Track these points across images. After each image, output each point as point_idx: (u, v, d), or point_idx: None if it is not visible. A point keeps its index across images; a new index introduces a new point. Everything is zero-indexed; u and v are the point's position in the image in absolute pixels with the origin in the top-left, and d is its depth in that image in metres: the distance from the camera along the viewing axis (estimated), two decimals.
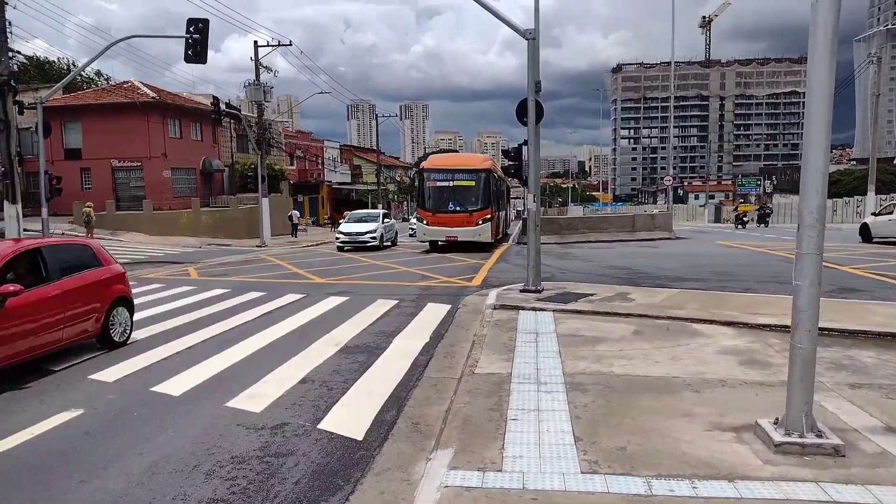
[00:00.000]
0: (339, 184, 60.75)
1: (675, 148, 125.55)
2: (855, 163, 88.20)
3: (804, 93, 4.46)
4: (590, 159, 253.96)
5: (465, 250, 21.88)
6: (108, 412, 5.83)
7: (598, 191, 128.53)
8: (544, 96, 12.36)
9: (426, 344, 8.20)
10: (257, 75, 31.18)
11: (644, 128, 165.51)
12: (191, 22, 16.78)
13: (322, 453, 4.76)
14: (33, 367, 7.28)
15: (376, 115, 65.45)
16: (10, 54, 17.05)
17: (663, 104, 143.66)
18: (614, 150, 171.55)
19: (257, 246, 29.80)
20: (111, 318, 8.37)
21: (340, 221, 28.28)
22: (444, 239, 22.49)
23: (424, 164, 25.48)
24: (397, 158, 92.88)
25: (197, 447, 4.91)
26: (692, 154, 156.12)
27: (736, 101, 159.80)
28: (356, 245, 24.20)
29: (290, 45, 32.80)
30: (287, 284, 14.62)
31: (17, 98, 17.49)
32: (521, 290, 11.65)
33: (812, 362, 4.41)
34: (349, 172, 67.68)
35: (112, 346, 8.29)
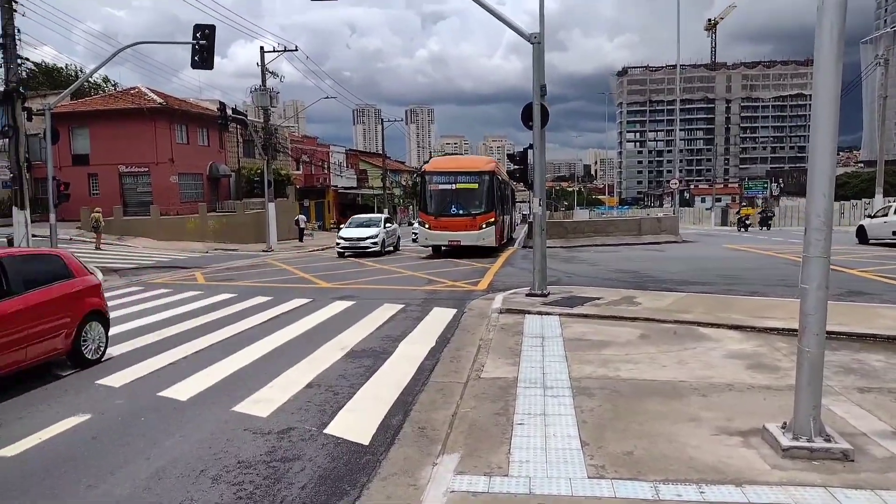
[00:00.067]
0: (345, 188, 60.89)
1: (681, 151, 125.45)
2: (862, 165, 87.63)
3: (811, 95, 4.46)
4: (595, 163, 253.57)
5: (470, 255, 21.58)
6: (116, 417, 5.85)
7: (604, 194, 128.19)
8: (550, 100, 12.37)
9: (432, 348, 8.20)
10: (263, 81, 31.33)
11: (650, 131, 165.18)
12: (197, 28, 16.88)
13: (328, 458, 4.76)
14: (39, 373, 7.33)
15: (382, 119, 65.62)
16: (19, 61, 17.19)
17: (669, 107, 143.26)
18: (620, 153, 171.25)
19: (264, 250, 29.89)
20: (83, 334, 7.73)
21: (341, 226, 27.95)
22: (447, 243, 22.04)
23: (426, 167, 24.93)
24: (403, 163, 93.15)
25: (204, 452, 4.93)
26: (698, 157, 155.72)
27: (742, 104, 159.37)
28: (357, 251, 23.81)
29: (296, 50, 33.01)
30: (293, 289, 14.66)
31: (26, 104, 17.63)
32: (527, 294, 11.63)
33: (820, 366, 4.38)
34: (355, 177, 67.81)
35: (84, 365, 7.67)
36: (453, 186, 22.20)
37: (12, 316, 6.72)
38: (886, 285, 12.36)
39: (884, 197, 35.02)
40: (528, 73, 11.84)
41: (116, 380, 7.08)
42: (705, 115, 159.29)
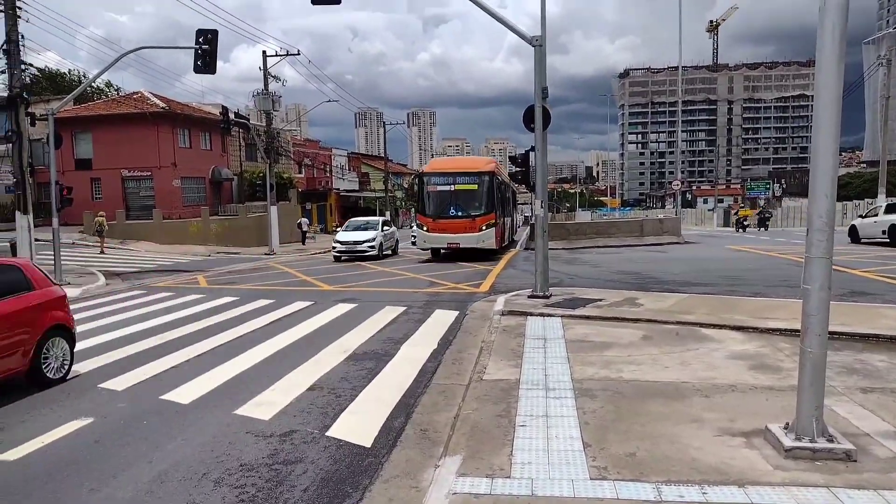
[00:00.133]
0: (347, 191, 60.98)
1: (683, 152, 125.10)
2: (865, 166, 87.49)
3: (812, 96, 4.45)
4: (597, 164, 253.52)
5: (471, 258, 21.33)
6: (118, 420, 5.86)
7: (606, 196, 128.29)
8: (551, 102, 12.38)
9: (434, 350, 8.20)
10: (266, 85, 31.40)
11: (652, 132, 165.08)
12: (200, 33, 16.91)
13: (330, 461, 4.76)
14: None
15: (384, 122, 65.65)
16: (23, 67, 17.23)
17: (671, 108, 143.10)
18: (622, 154, 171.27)
19: (266, 254, 29.93)
20: (45, 351, 7.07)
21: (338, 229, 27.36)
22: (446, 246, 21.52)
23: (424, 168, 24.36)
24: (405, 165, 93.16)
25: (206, 455, 4.93)
26: (700, 158, 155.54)
27: (744, 105, 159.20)
28: (353, 255, 23.27)
29: (298, 54, 33.04)
30: (295, 292, 14.67)
31: (29, 110, 17.67)
32: (530, 296, 11.63)
33: (822, 367, 4.37)
34: (357, 180, 67.90)
35: (45, 385, 7.01)
36: (452, 187, 21.69)
37: None
38: (889, 285, 12.33)
39: (886, 197, 34.96)
40: (529, 76, 11.86)
41: (119, 383, 7.09)
42: (707, 117, 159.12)
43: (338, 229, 27.80)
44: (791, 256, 18.62)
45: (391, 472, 4.38)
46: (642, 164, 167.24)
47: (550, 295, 11.54)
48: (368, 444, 5.04)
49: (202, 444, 5.16)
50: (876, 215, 23.23)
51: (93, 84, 45.75)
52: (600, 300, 11.02)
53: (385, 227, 25.46)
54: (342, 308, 11.93)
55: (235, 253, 31.06)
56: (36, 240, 17.77)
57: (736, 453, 4.40)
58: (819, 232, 4.25)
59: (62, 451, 5.14)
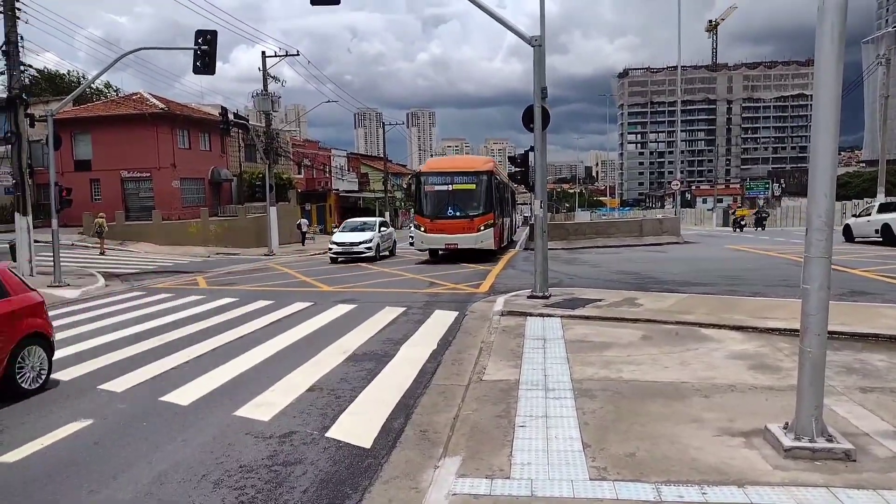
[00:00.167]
0: (347, 192, 60.93)
1: (682, 152, 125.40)
2: (864, 165, 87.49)
3: (812, 95, 4.45)
4: (597, 164, 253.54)
5: (469, 259, 21.21)
6: (118, 422, 5.86)
7: (606, 196, 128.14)
8: (551, 102, 12.38)
9: (434, 351, 8.19)
10: (265, 85, 31.41)
11: (651, 132, 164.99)
12: (199, 34, 16.89)
13: (330, 462, 4.76)
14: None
15: (383, 123, 65.72)
16: (22, 68, 17.23)
17: (670, 108, 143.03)
18: (621, 154, 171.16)
19: (265, 254, 29.93)
20: (20, 361, 6.70)
21: (335, 231, 26.99)
22: (444, 247, 21.22)
23: (422, 168, 23.98)
24: (404, 166, 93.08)
25: (205, 456, 4.93)
26: (700, 158, 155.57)
27: (743, 105, 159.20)
28: (350, 256, 22.70)
29: (298, 54, 33.08)
30: (295, 293, 14.67)
31: (29, 111, 17.67)
32: (529, 297, 11.63)
33: (822, 366, 4.37)
34: (356, 180, 67.87)
35: (20, 396, 6.63)
36: (450, 187, 21.34)
37: None
38: (888, 285, 12.33)
39: (885, 196, 34.99)
40: (528, 76, 11.89)
41: (118, 384, 7.08)
42: (706, 116, 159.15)
43: (336, 230, 27.58)
44: (790, 256, 18.63)
45: (391, 473, 4.38)
46: (641, 163, 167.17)
47: (550, 295, 11.54)
48: (368, 445, 5.04)
49: (202, 446, 5.15)
50: (869, 214, 23.52)
51: (92, 85, 45.69)
52: (600, 300, 11.03)
53: (382, 228, 25.18)
54: (342, 309, 11.93)
55: (235, 254, 31.05)
56: (35, 241, 17.77)
57: (735, 453, 4.40)
58: (818, 231, 4.25)
59: (62, 452, 5.14)
